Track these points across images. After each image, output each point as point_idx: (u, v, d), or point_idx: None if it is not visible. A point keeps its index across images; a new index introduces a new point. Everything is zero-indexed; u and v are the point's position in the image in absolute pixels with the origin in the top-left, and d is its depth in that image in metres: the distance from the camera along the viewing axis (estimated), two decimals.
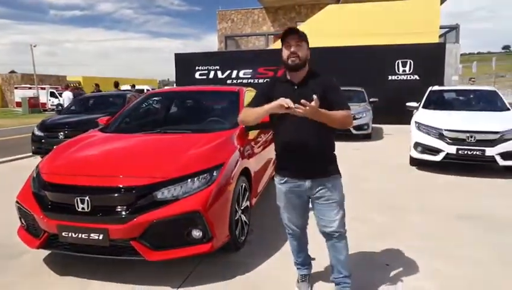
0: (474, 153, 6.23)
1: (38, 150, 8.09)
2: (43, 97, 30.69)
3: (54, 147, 7.07)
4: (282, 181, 2.60)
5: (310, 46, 2.55)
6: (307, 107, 2.08)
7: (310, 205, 2.65)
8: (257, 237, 3.85)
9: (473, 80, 14.94)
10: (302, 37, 2.48)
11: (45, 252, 3.48)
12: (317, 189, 2.51)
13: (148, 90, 24.74)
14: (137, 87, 25.21)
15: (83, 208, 2.90)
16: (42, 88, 32.10)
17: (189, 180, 3.03)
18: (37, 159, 7.97)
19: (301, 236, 2.80)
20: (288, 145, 2.51)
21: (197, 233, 2.96)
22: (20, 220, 3.37)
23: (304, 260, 2.89)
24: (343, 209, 2.58)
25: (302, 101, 2.10)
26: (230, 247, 3.39)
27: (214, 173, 3.15)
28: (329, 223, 2.54)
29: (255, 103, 2.56)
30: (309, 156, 2.46)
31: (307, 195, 2.58)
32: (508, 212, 4.61)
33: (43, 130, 8.17)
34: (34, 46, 34.67)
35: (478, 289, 2.92)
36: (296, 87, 2.50)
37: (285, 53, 2.48)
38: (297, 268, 2.92)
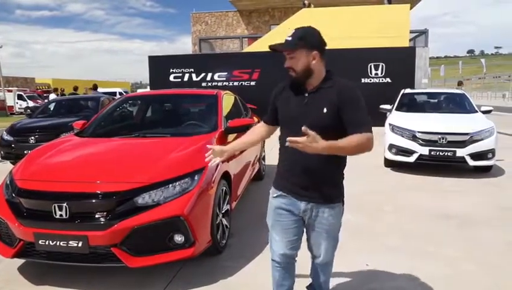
0: (446, 154, 6.44)
1: (8, 155, 7.81)
2: (10, 100, 29.60)
3: (25, 152, 6.92)
4: (275, 195, 2.25)
5: None
6: (299, 144, 1.80)
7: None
8: (237, 240, 3.85)
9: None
10: (292, 46, 2.05)
11: (20, 261, 3.36)
12: (312, 214, 2.18)
13: (121, 93, 24.28)
14: (108, 90, 24.65)
15: (60, 215, 2.82)
16: (9, 90, 30.96)
17: (170, 185, 3.00)
18: (7, 164, 7.71)
19: (287, 268, 2.34)
20: (292, 161, 2.14)
21: (179, 238, 2.94)
22: None
23: None
24: (336, 240, 2.32)
25: (291, 139, 1.81)
26: (212, 251, 3.37)
27: (195, 177, 3.13)
28: (316, 250, 2.30)
29: (268, 114, 2.33)
30: (312, 177, 2.11)
31: (300, 216, 2.21)
32: (479, 211, 4.78)
33: (13, 135, 7.87)
34: (0, 47, 33.46)
35: (456, 287, 3.00)
36: (306, 94, 2.11)
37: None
38: None
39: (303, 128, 1.79)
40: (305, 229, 2.29)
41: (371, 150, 1.99)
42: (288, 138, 1.82)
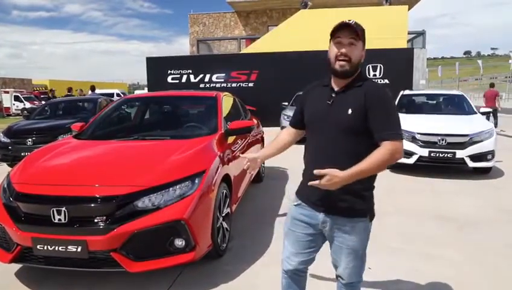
0: (446, 155, 6.43)
1: (4, 157, 7.75)
2: (7, 101, 29.45)
3: (22, 154, 6.87)
4: (296, 203, 2.09)
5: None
6: (320, 186, 1.73)
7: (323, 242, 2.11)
8: (238, 243, 3.82)
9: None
10: (359, 33, 1.87)
11: (17, 266, 3.32)
12: (332, 227, 1.97)
13: (118, 94, 24.19)
14: (105, 91, 24.54)
15: (59, 219, 2.77)
16: (6, 92, 30.81)
17: (170, 188, 2.96)
18: (4, 166, 7.66)
19: (294, 279, 2.18)
20: (313, 164, 1.86)
21: (179, 242, 2.90)
22: None
23: None
24: (362, 259, 2.06)
25: (315, 171, 1.72)
26: (213, 255, 3.33)
27: (196, 181, 3.09)
28: (340, 268, 2.06)
29: (293, 117, 2.21)
30: None
31: (320, 229, 2.01)
32: (479, 213, 4.77)
33: (10, 136, 7.80)
34: None
35: (457, 289, 2.99)
36: (333, 94, 1.92)
37: (332, 52, 1.89)
38: None
39: (315, 171, 1.72)
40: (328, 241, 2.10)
41: (400, 159, 1.82)
42: (310, 183, 1.77)
